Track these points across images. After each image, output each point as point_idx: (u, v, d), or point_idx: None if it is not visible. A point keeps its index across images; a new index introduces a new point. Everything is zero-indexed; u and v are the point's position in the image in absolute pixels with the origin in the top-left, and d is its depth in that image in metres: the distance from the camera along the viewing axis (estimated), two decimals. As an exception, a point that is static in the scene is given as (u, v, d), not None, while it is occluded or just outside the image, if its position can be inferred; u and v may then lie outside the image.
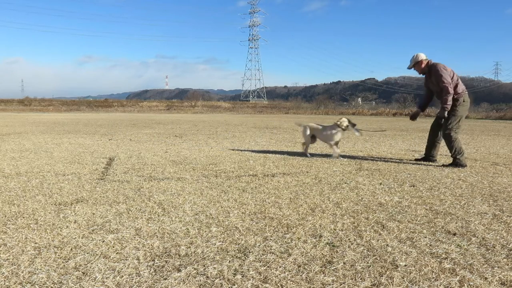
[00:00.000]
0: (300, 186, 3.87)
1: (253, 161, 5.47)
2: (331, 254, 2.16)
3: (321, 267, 2.00)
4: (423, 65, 5.29)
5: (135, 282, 1.83)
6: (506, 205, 3.23)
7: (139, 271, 1.94)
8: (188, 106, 50.14)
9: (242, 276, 1.89)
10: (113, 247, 2.24)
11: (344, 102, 55.82)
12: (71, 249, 2.19)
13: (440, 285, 1.82)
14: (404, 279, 1.88)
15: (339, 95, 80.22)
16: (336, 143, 5.95)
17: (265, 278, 1.88)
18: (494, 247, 2.29)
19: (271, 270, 1.96)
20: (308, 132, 6.27)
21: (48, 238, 2.36)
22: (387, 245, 2.31)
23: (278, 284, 1.82)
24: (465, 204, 3.26)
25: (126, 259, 2.07)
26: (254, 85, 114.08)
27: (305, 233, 2.50)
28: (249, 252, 2.19)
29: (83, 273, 1.91)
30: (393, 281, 1.85)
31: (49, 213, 2.88)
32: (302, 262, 2.06)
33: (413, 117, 5.88)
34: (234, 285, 1.81)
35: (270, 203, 3.23)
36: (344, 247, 2.27)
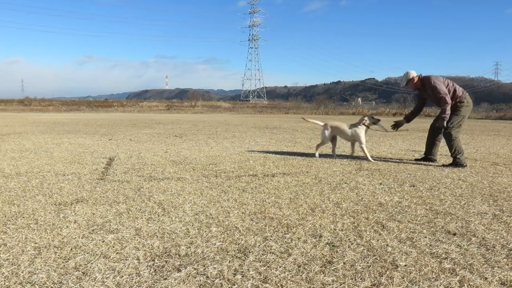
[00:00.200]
0: (300, 186, 3.87)
1: (253, 161, 5.47)
2: (331, 254, 2.16)
3: (321, 267, 2.00)
4: (415, 81, 5.39)
5: (135, 282, 1.83)
6: (506, 205, 3.23)
7: (139, 271, 1.94)
8: (188, 106, 50.12)
9: (242, 276, 1.89)
10: (113, 247, 2.24)
11: (344, 102, 55.77)
12: (71, 249, 2.19)
13: (440, 285, 1.82)
14: (404, 279, 1.88)
15: (339, 95, 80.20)
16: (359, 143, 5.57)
17: (265, 278, 1.88)
18: (494, 247, 2.29)
19: (271, 270, 1.96)
20: (328, 132, 5.74)
21: (48, 238, 2.36)
22: (387, 245, 2.31)
23: (278, 284, 1.82)
24: (465, 204, 3.26)
25: (126, 259, 2.07)
26: (254, 85, 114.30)
27: (305, 233, 2.50)
28: (249, 252, 2.19)
29: (83, 273, 1.91)
30: (393, 281, 1.85)
31: (49, 213, 2.88)
32: (302, 262, 2.06)
33: (396, 126, 5.73)
34: (234, 285, 1.81)
35: (270, 203, 3.23)
36: (344, 247, 2.27)
